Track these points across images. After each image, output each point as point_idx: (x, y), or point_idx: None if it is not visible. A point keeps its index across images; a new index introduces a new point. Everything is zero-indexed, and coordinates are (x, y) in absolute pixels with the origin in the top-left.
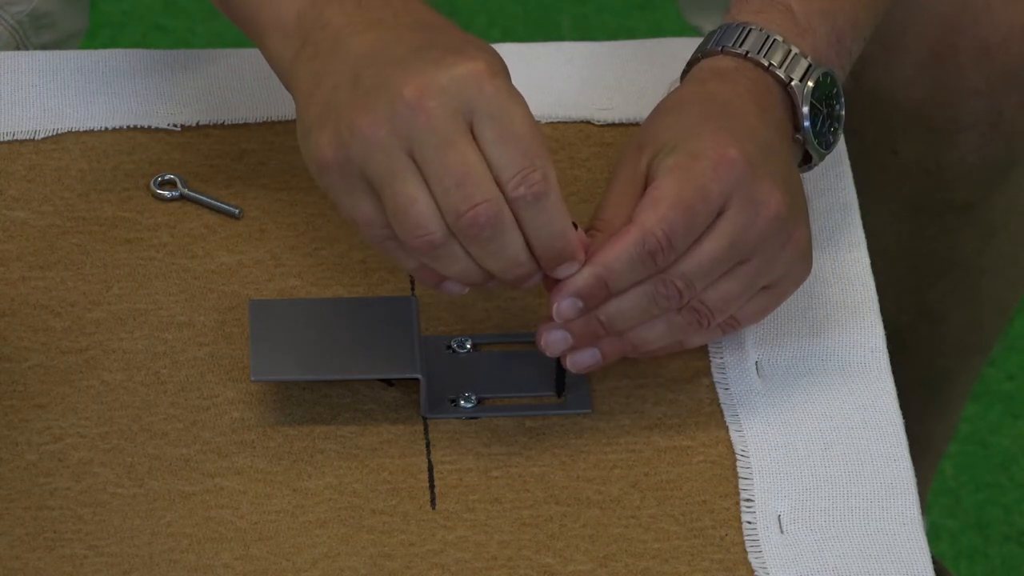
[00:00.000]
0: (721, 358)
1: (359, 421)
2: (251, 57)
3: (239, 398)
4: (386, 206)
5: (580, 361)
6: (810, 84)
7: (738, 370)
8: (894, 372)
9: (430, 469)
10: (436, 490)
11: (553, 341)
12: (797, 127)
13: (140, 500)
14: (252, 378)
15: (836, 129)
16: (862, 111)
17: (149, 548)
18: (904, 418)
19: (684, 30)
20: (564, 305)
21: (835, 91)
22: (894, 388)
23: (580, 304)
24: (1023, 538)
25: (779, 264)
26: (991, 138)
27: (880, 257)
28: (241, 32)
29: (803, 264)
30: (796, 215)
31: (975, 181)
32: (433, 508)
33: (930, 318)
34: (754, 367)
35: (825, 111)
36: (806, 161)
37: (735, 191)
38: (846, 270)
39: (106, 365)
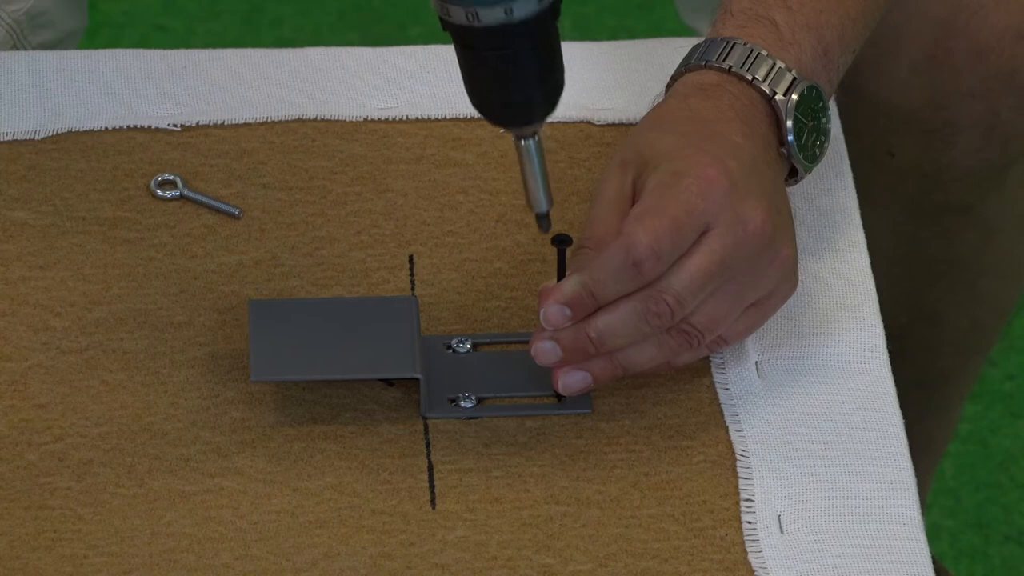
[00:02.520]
0: (721, 358)
1: (359, 421)
2: (251, 57)
3: (239, 398)
4: None
5: (571, 384)
6: (794, 97)
7: (738, 370)
8: (893, 373)
9: (430, 469)
10: (436, 490)
11: (543, 351)
12: (782, 141)
13: (140, 500)
14: (252, 378)
15: (823, 143)
16: (858, 114)
17: (149, 548)
18: (903, 419)
19: (684, 30)
20: (551, 311)
21: (821, 104)
22: (894, 388)
23: (568, 312)
24: (1023, 538)
25: (766, 281)
26: (987, 140)
27: (878, 259)
28: (241, 32)
29: (789, 281)
30: (782, 232)
31: (972, 183)
32: (433, 508)
33: (929, 319)
34: (754, 367)
35: (811, 124)
36: (793, 175)
37: (720, 210)
38: (846, 270)
39: (106, 365)
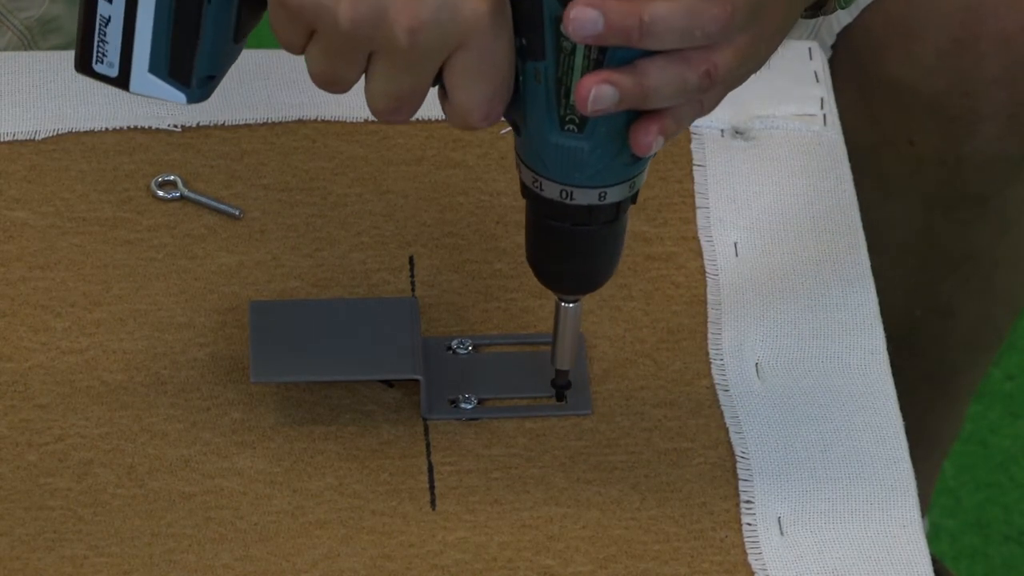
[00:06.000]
0: (721, 359)
1: (359, 422)
2: (251, 57)
3: (239, 399)
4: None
5: (602, 96)
6: None
7: (738, 371)
8: (903, 367)
9: (430, 470)
10: (436, 491)
11: (587, 17)
12: None
13: (140, 500)
14: (252, 379)
15: None
16: (881, 101)
17: (149, 548)
18: (910, 415)
19: None
20: None
21: None
22: (894, 390)
23: None
24: (1023, 538)
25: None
26: (1009, 130)
27: (893, 249)
28: None
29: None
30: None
31: (991, 174)
32: (433, 509)
33: (941, 312)
34: (754, 368)
35: None
36: (818, 6)
37: None
38: (846, 272)
39: (106, 366)
